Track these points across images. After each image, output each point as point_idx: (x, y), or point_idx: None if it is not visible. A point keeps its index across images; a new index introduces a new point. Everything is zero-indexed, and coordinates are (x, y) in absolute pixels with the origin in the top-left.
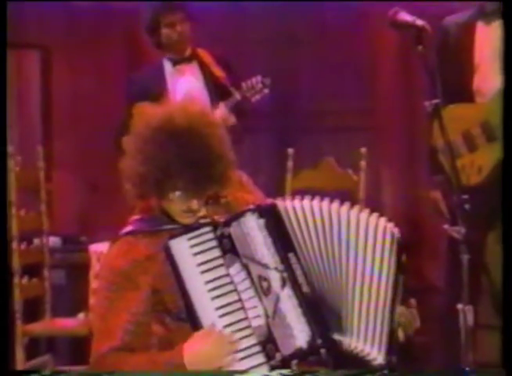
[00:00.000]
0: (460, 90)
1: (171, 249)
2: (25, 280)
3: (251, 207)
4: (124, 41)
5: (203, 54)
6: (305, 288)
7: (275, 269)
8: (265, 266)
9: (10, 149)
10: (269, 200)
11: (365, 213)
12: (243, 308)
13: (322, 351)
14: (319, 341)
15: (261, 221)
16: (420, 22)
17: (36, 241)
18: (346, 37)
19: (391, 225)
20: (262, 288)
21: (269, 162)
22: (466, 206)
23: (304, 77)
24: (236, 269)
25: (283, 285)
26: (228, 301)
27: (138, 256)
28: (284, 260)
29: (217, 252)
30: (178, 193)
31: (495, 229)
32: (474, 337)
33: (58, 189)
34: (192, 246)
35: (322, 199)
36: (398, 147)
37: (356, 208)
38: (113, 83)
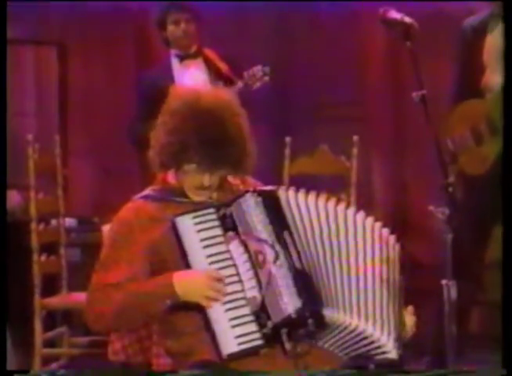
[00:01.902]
0: (475, 87)
1: (177, 225)
2: (43, 258)
3: (251, 189)
4: (135, 38)
5: (209, 51)
6: (298, 264)
7: (271, 244)
8: (262, 241)
9: (29, 137)
10: (268, 187)
11: (361, 214)
12: (240, 281)
13: (310, 321)
14: (308, 312)
15: (259, 200)
16: (407, 19)
17: (53, 222)
18: (339, 34)
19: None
20: (258, 261)
21: (268, 150)
22: (450, 189)
23: (301, 71)
24: (235, 245)
25: (277, 258)
26: (226, 273)
27: (144, 215)
28: (279, 237)
29: (218, 231)
30: (192, 166)
31: (499, 216)
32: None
33: (73, 175)
34: (196, 223)
35: (317, 193)
36: (387, 135)
37: (351, 209)
38: (124, 76)
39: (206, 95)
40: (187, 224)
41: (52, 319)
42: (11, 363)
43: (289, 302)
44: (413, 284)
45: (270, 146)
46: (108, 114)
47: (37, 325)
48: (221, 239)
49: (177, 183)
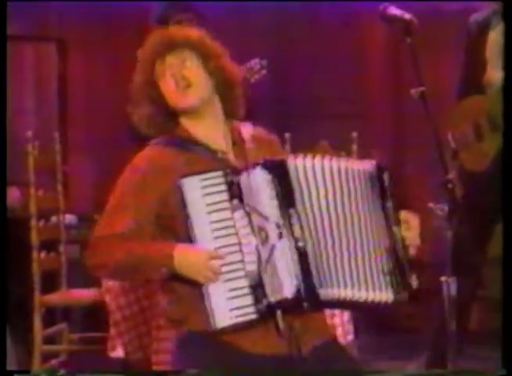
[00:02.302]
0: (478, 83)
1: (183, 186)
2: (43, 255)
3: (262, 161)
4: (136, 34)
5: None
6: (300, 243)
7: (275, 222)
8: (266, 218)
9: (29, 134)
10: (280, 157)
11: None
12: (240, 251)
13: (305, 305)
14: (304, 295)
15: (269, 176)
16: (407, 15)
17: (53, 219)
18: (339, 32)
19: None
20: (261, 237)
21: None
22: (450, 185)
23: (301, 68)
24: (239, 215)
25: (280, 238)
26: (228, 242)
27: (157, 164)
28: (284, 215)
29: (225, 196)
30: None
31: (499, 212)
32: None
33: (73, 172)
34: (203, 187)
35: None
36: (387, 132)
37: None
38: (124, 73)
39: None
40: (194, 186)
41: (51, 315)
42: (11, 360)
43: (286, 285)
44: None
45: None
46: (108, 111)
47: (37, 322)
48: (226, 205)
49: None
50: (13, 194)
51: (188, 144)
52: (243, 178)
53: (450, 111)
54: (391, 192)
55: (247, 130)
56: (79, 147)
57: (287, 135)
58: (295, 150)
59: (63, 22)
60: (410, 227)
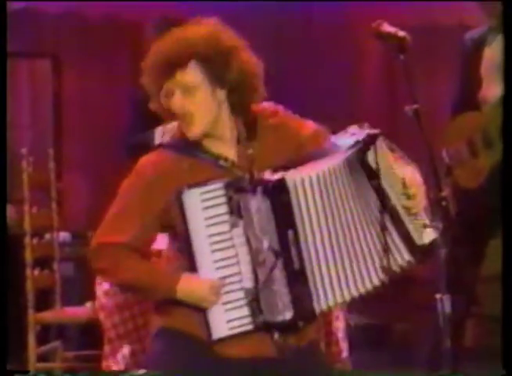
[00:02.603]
0: (472, 100)
1: (183, 198)
2: (37, 272)
3: (263, 182)
4: (130, 50)
5: None
6: (297, 265)
7: (271, 247)
8: (263, 241)
9: (23, 151)
10: (279, 175)
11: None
12: (238, 264)
13: (301, 323)
14: (301, 315)
15: (268, 200)
16: (401, 33)
17: (47, 236)
18: (334, 48)
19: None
20: (258, 259)
21: None
22: (444, 203)
23: (296, 85)
24: (237, 232)
25: (276, 261)
26: (226, 255)
27: (163, 171)
28: (282, 238)
29: (224, 209)
30: None
31: (493, 229)
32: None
33: (67, 189)
34: (203, 200)
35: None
36: None
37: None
38: (119, 89)
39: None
40: (193, 199)
41: (45, 333)
42: None
43: (282, 306)
44: (408, 298)
45: None
46: (102, 128)
47: (31, 339)
48: (225, 218)
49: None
50: (8, 211)
51: (191, 148)
52: (243, 198)
53: (444, 128)
54: (380, 164)
55: (268, 118)
56: (73, 164)
57: None
58: None
59: (57, 39)
60: (412, 194)
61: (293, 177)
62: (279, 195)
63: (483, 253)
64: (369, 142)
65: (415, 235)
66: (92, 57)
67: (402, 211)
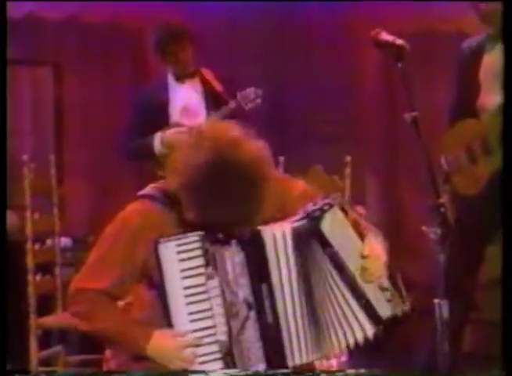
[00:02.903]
0: (470, 107)
1: (159, 250)
2: (38, 278)
3: (238, 235)
4: (131, 57)
5: (206, 71)
6: (270, 319)
7: (245, 299)
8: (237, 295)
9: (24, 157)
10: (256, 229)
11: None
12: (212, 317)
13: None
14: (274, 368)
15: (243, 253)
16: (399, 41)
17: (48, 242)
18: (332, 54)
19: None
20: (231, 312)
21: None
22: (442, 209)
23: (295, 91)
24: (213, 284)
25: (249, 315)
26: (200, 308)
27: (148, 220)
28: (256, 291)
29: (200, 261)
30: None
31: (492, 235)
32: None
33: (69, 195)
34: (180, 252)
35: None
36: (380, 156)
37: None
38: (120, 96)
39: (217, 156)
40: (170, 251)
41: (47, 338)
42: None
43: (255, 360)
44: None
45: None
46: (104, 134)
47: (33, 344)
48: (201, 270)
49: None
50: (9, 217)
51: (177, 202)
52: (219, 250)
53: (443, 135)
54: (337, 235)
55: None
56: (74, 170)
57: (281, 158)
58: (289, 174)
59: (58, 46)
60: (372, 259)
61: (269, 230)
62: (254, 247)
63: (481, 259)
64: (323, 211)
65: (377, 306)
66: (93, 64)
67: (360, 282)
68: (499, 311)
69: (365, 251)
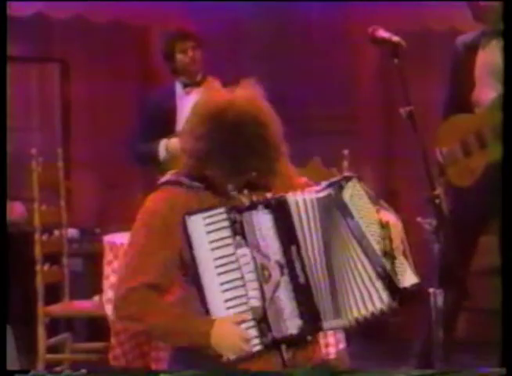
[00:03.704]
0: (464, 102)
1: (187, 224)
2: (46, 267)
3: (264, 200)
4: (137, 53)
5: (212, 80)
6: (302, 279)
7: (277, 261)
8: (268, 257)
9: (33, 151)
10: (280, 195)
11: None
12: (244, 286)
13: (309, 338)
14: (308, 329)
15: (270, 216)
16: (395, 38)
17: (56, 233)
18: (331, 50)
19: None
20: (264, 276)
21: None
22: (437, 201)
23: (295, 86)
24: (242, 252)
25: (282, 276)
26: (231, 277)
27: (176, 204)
28: (286, 253)
29: (228, 232)
30: (217, 172)
31: (485, 225)
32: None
33: (76, 187)
34: (207, 224)
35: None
36: (377, 149)
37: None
38: (126, 92)
39: (233, 106)
40: (198, 224)
41: (55, 325)
42: (15, 366)
43: (290, 321)
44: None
45: None
46: (109, 128)
47: (41, 331)
48: (229, 241)
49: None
50: (18, 209)
51: (195, 181)
52: (246, 217)
53: (438, 128)
54: (356, 205)
55: None
56: (81, 164)
57: None
58: None
59: (65, 43)
60: (390, 228)
61: (293, 197)
62: (281, 211)
63: (474, 249)
64: (344, 182)
65: (394, 277)
66: (100, 61)
67: (379, 252)
68: (493, 299)
69: (383, 219)
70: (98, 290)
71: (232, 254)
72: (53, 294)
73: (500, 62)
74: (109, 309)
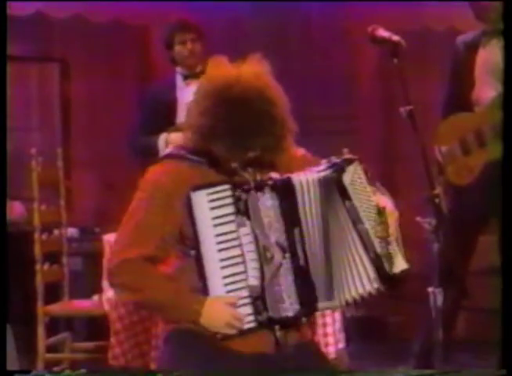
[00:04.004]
0: (464, 100)
1: (191, 199)
2: (46, 267)
3: (269, 181)
4: (137, 53)
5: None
6: (302, 262)
7: (280, 243)
8: (271, 239)
9: (33, 151)
10: (286, 176)
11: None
12: (243, 263)
13: (304, 320)
14: (304, 312)
15: (275, 197)
16: (395, 37)
17: (56, 232)
18: (331, 49)
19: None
20: (265, 257)
21: None
22: (437, 200)
23: (295, 86)
24: (245, 231)
25: (284, 259)
26: (232, 254)
27: (179, 178)
28: (289, 235)
29: (231, 209)
30: (221, 149)
31: (484, 224)
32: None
33: (75, 187)
34: (211, 200)
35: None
36: (376, 148)
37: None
38: (125, 91)
39: (239, 81)
40: (201, 199)
41: (54, 325)
42: (13, 366)
43: (287, 303)
44: (401, 292)
45: None
46: (109, 128)
47: (41, 331)
48: (232, 218)
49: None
50: (17, 209)
51: (200, 157)
52: (251, 197)
53: (438, 127)
54: (356, 188)
55: None
56: (81, 163)
57: None
58: None
59: (65, 43)
60: (387, 213)
61: (297, 177)
62: (286, 192)
63: (473, 248)
64: (345, 164)
65: (386, 263)
66: (99, 61)
67: (373, 236)
68: (492, 298)
69: (381, 204)
70: (97, 289)
71: (234, 231)
72: (53, 293)
73: (500, 61)
74: (108, 309)
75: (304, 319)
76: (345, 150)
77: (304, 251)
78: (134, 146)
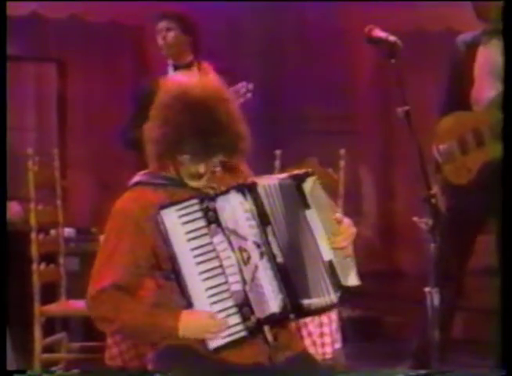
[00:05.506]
0: (463, 99)
1: (161, 217)
2: (43, 267)
3: (235, 185)
4: (133, 53)
5: (205, 64)
6: (279, 259)
7: (254, 241)
8: (245, 239)
9: (29, 151)
10: (251, 179)
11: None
12: (223, 273)
13: (292, 316)
14: (290, 307)
15: (243, 198)
16: (392, 38)
17: (52, 232)
18: (328, 50)
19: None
20: (243, 258)
21: (259, 162)
22: (433, 200)
23: (290, 87)
24: (219, 239)
25: (261, 256)
26: (210, 266)
27: (146, 203)
28: (262, 233)
29: (202, 222)
30: (186, 157)
31: (481, 224)
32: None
33: (72, 186)
34: (181, 216)
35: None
36: (373, 149)
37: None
38: (122, 92)
39: (193, 86)
40: (172, 216)
41: (51, 325)
42: (11, 366)
43: (271, 300)
44: (398, 292)
45: (260, 158)
46: (105, 128)
47: (37, 331)
48: (205, 231)
49: (174, 172)
50: (14, 209)
51: (165, 180)
52: (219, 203)
53: (435, 126)
54: (315, 198)
55: None
56: (77, 163)
57: (278, 152)
58: (285, 167)
59: (62, 43)
60: (345, 226)
61: (261, 181)
62: (253, 194)
63: (471, 248)
64: (305, 175)
65: (340, 274)
66: (95, 61)
67: (329, 246)
68: (490, 298)
69: (339, 217)
70: None
71: (209, 243)
72: (49, 293)
73: (500, 61)
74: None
75: (292, 316)
76: (342, 151)
77: (279, 247)
78: (125, 138)
